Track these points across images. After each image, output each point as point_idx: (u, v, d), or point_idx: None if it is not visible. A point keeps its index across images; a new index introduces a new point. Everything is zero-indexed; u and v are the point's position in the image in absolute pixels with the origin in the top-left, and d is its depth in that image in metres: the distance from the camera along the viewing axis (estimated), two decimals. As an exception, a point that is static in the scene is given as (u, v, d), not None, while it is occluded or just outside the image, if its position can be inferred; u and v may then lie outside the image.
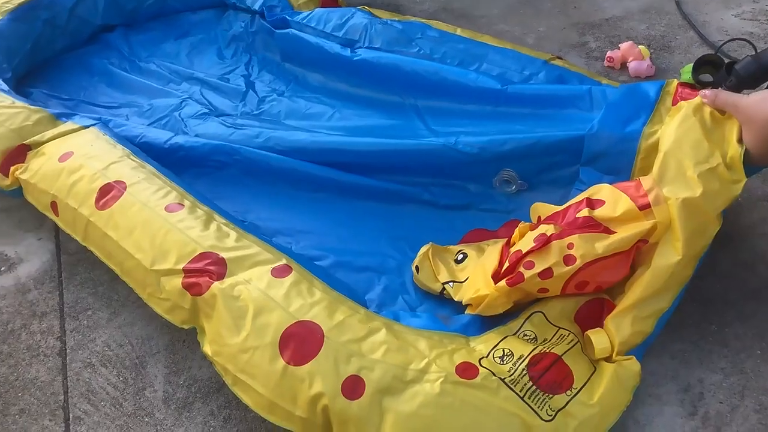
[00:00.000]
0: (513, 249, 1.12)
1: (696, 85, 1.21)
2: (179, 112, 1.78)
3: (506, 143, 1.37)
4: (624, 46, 1.86)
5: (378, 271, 1.30)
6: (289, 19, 1.91)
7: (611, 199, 1.06)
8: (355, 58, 1.72)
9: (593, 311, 1.10)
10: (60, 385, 1.24)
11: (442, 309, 1.21)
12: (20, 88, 1.88)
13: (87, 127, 1.52)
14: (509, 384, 0.94)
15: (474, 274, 1.19)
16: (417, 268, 1.27)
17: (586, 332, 1.05)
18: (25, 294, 1.42)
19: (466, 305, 1.15)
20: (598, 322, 1.07)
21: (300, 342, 0.98)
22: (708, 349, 1.16)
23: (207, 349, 1.08)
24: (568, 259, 1.03)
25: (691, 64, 1.27)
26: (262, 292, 1.04)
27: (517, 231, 1.17)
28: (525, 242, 1.10)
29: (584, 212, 1.05)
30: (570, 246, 1.03)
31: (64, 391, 1.23)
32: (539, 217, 1.19)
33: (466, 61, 1.61)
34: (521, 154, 1.36)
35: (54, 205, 1.38)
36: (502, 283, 1.07)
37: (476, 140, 1.41)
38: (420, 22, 1.76)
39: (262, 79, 1.91)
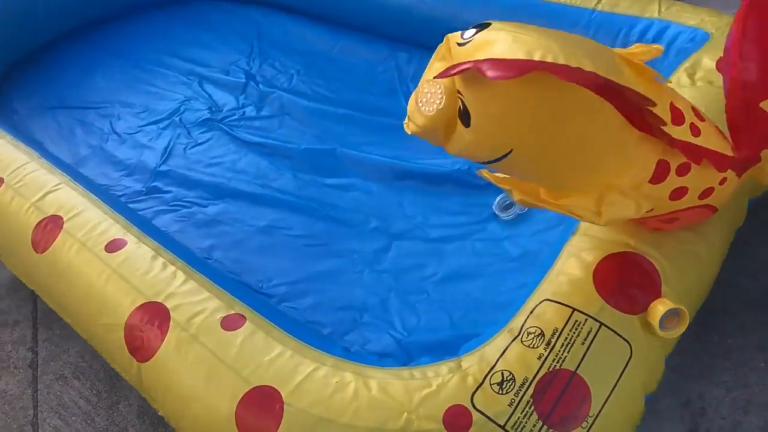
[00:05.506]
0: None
1: None
2: (180, 117, 1.72)
3: None
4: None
5: (361, 309, 1.21)
6: None
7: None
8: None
9: (613, 268, 0.93)
10: (30, 398, 1.18)
11: (438, 344, 1.08)
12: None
13: None
14: None
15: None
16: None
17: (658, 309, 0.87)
18: (-4, 302, 1.36)
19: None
20: (628, 285, 0.91)
21: (258, 415, 0.84)
22: (709, 363, 1.11)
23: (172, 422, 0.97)
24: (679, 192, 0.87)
25: None
26: (211, 354, 0.91)
27: None
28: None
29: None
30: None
31: (34, 405, 1.17)
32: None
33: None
34: None
35: None
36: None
37: None
38: None
39: (263, 72, 1.86)
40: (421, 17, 1.74)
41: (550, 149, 0.76)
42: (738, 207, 1.07)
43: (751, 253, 1.25)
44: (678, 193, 0.87)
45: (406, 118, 0.83)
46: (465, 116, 0.75)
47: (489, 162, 0.80)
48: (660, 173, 0.83)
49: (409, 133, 0.83)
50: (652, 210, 0.88)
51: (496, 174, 0.89)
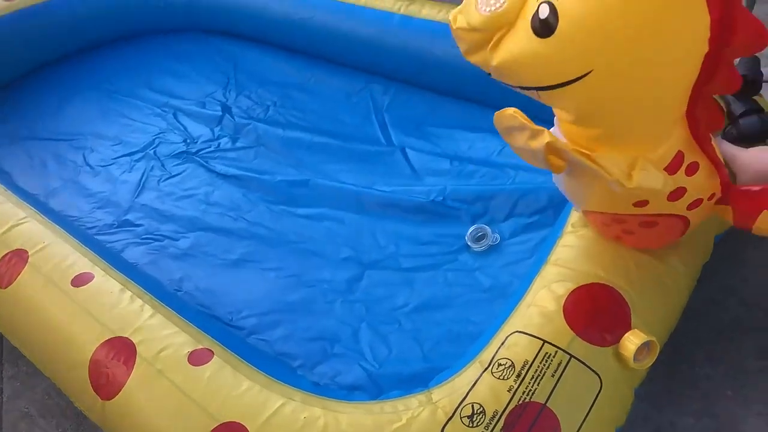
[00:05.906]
0: None
1: None
2: (154, 149, 1.71)
3: (497, 194, 1.37)
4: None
5: (332, 340, 1.19)
6: None
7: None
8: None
9: (583, 300, 0.94)
10: (-7, 438, 1.15)
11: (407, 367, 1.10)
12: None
13: None
14: None
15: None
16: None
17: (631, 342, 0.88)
18: (-39, 338, 1.33)
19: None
20: (598, 317, 0.92)
21: None
22: (678, 391, 1.12)
23: None
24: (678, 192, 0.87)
25: None
26: (178, 389, 0.89)
27: None
28: None
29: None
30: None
31: (-3, 444, 1.14)
32: None
33: None
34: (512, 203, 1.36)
35: None
36: None
37: (467, 190, 1.39)
38: None
39: (239, 103, 1.87)
40: (394, 50, 1.76)
41: (628, 78, 0.71)
42: (705, 241, 1.09)
43: (718, 283, 1.27)
44: (677, 194, 0.87)
45: (457, 9, 0.75)
46: (546, 24, 0.67)
47: (546, 88, 0.72)
48: (674, 164, 0.84)
49: (455, 27, 0.75)
50: (647, 205, 0.87)
51: None
